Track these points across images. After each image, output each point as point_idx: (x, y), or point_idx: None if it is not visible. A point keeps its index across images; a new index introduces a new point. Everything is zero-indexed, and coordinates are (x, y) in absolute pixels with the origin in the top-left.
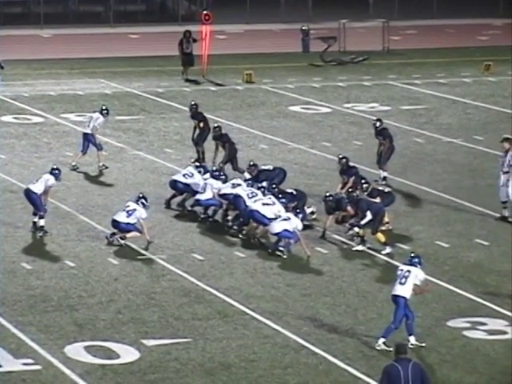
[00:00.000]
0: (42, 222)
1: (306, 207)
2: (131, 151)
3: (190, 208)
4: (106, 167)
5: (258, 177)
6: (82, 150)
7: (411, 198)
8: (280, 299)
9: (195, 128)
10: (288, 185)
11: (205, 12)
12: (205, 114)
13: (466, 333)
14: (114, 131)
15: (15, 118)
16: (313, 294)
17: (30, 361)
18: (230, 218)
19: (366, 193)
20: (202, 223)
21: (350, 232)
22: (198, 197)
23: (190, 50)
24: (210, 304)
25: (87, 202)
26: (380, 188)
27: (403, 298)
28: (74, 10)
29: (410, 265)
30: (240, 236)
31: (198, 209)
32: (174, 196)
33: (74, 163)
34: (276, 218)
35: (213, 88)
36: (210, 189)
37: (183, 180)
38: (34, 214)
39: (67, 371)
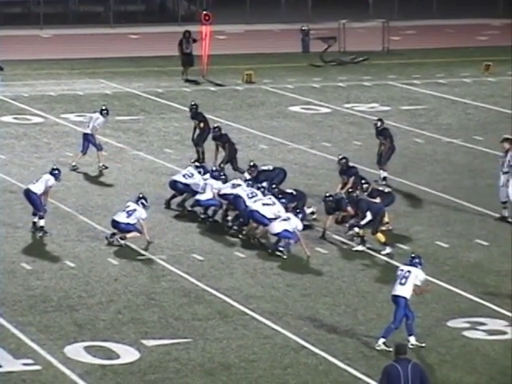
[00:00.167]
0: (41, 223)
1: (305, 207)
2: (131, 151)
3: (189, 208)
4: (106, 167)
5: (258, 177)
6: (81, 150)
7: (411, 199)
8: (280, 299)
9: (195, 128)
10: (288, 185)
11: (204, 12)
12: (205, 115)
13: (465, 333)
14: (113, 131)
15: (15, 118)
16: (313, 294)
17: (30, 361)
18: (229, 218)
19: (365, 193)
20: (201, 223)
21: (350, 232)
22: (197, 197)
23: (190, 51)
24: (210, 304)
25: (87, 202)
26: (380, 188)
27: (403, 298)
28: (74, 11)
29: (411, 265)
30: (240, 236)
31: (197, 209)
32: (173, 196)
33: (73, 163)
34: (276, 219)
35: (213, 88)
36: (209, 189)
37: (183, 180)
38: (34, 215)
39: (67, 371)
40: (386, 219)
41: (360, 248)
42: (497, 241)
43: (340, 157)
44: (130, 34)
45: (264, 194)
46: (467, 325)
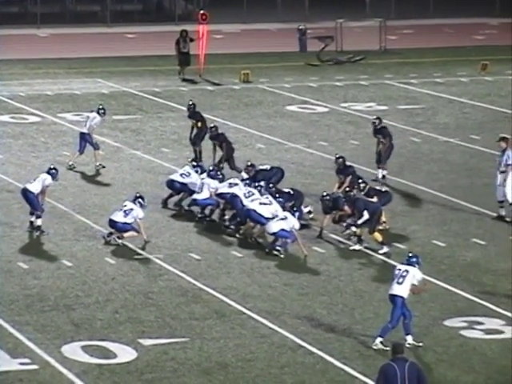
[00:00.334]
0: (38, 222)
1: (303, 207)
2: (128, 151)
3: (187, 207)
4: (103, 167)
5: (255, 176)
6: (78, 149)
7: (408, 198)
8: (277, 299)
9: (193, 127)
10: (285, 184)
11: (201, 11)
12: (202, 114)
13: (462, 332)
14: (110, 131)
15: (12, 117)
16: (310, 293)
17: (27, 360)
18: (227, 217)
19: (362, 192)
20: (199, 223)
21: (347, 231)
22: (195, 196)
23: (187, 50)
24: (207, 303)
25: (84, 201)
26: (377, 187)
27: (401, 297)
28: (71, 10)
29: (408, 264)
30: (237, 235)
31: (195, 208)
32: (171, 195)
33: (70, 163)
34: (273, 218)
35: (210, 87)
36: (207, 188)
37: (180, 179)
38: (31, 214)
39: (64, 371)
40: (383, 218)
41: (357, 247)
42: (494, 240)
43: (337, 156)
44: (126, 34)
45: (261, 194)
46: (464, 324)
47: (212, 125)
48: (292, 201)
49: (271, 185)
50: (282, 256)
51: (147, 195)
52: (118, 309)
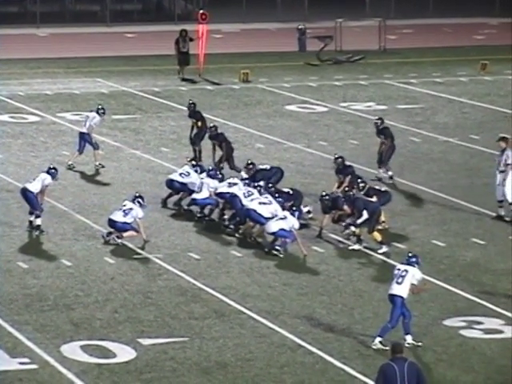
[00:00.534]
0: (38, 221)
1: (302, 206)
2: (128, 150)
3: (186, 207)
4: (103, 166)
5: (254, 176)
6: (78, 149)
7: (408, 197)
8: (276, 298)
9: (193, 127)
10: (284, 184)
11: (201, 11)
12: (202, 113)
13: (462, 332)
14: (110, 130)
15: (11, 117)
16: (309, 293)
17: (27, 360)
18: (226, 217)
19: (362, 192)
20: (198, 222)
21: (347, 231)
22: (194, 196)
23: (187, 49)
24: (207, 303)
25: (83, 201)
26: (376, 187)
27: (400, 297)
28: (70, 9)
29: (408, 264)
30: (236, 235)
31: (194, 208)
32: (170, 195)
33: (70, 162)
34: (272, 217)
35: (209, 87)
36: (206, 188)
37: (180, 179)
38: (31, 213)
39: (63, 370)
40: (382, 218)
41: (356, 247)
42: (493, 240)
43: (336, 156)
44: (126, 33)
45: (260, 193)
46: (464, 324)
47: (211, 124)
48: (291, 200)
49: (270, 184)
50: (281, 256)
51: (146, 195)
52: (117, 308)
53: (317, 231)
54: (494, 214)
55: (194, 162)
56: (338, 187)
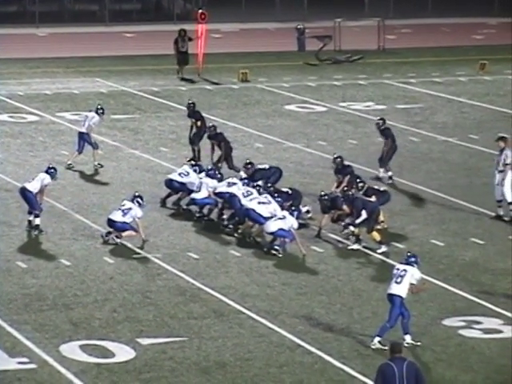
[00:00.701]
0: (37, 221)
1: (301, 206)
2: (127, 150)
3: (185, 207)
4: (102, 166)
5: (253, 176)
6: (77, 149)
7: (407, 197)
8: (275, 298)
9: (192, 127)
10: (283, 184)
11: (200, 11)
12: (201, 113)
13: (461, 331)
14: (109, 130)
15: (10, 116)
16: (308, 292)
17: (26, 359)
18: (225, 216)
19: (361, 192)
20: (197, 222)
21: (346, 231)
22: (193, 196)
23: (186, 49)
24: (206, 303)
25: (83, 200)
26: (375, 187)
27: (399, 297)
28: (69, 9)
29: (407, 264)
30: (235, 235)
31: (193, 208)
32: (169, 195)
33: (69, 162)
34: (271, 217)
35: (208, 87)
36: (205, 188)
37: (179, 179)
38: (30, 213)
39: (62, 370)
40: (381, 218)
41: (355, 247)
42: (492, 239)
43: (335, 155)
44: (125, 33)
45: (259, 193)
46: (463, 323)
47: (210, 124)
48: (290, 200)
49: (269, 184)
50: (280, 255)
51: (146, 194)
52: (116, 308)
53: (316, 231)
54: (493, 214)
55: (193, 162)
56: (337, 187)
